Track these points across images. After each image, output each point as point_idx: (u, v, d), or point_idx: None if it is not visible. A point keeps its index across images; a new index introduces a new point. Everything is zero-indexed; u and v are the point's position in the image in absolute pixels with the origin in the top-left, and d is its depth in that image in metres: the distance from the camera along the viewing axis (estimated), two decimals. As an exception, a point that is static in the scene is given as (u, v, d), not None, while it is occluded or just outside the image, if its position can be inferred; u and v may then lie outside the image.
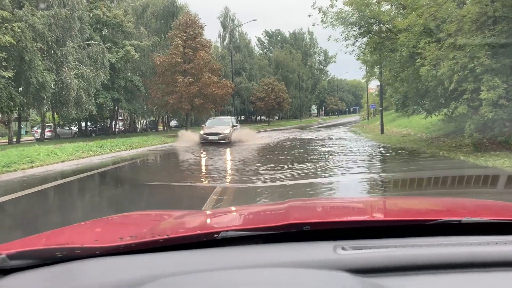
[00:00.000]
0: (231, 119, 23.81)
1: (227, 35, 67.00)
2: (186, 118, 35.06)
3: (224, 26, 68.29)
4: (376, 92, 61.50)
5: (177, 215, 1.80)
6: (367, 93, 58.42)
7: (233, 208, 3.10)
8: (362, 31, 15.87)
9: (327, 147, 17.68)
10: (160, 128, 49.30)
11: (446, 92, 14.04)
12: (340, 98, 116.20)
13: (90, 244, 1.16)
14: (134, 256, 1.07)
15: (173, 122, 56.41)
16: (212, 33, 77.47)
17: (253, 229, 1.21)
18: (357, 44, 16.49)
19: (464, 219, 1.19)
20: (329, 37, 16.37)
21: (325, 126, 48.18)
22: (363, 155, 13.59)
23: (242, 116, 72.64)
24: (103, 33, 31.74)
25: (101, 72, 26.50)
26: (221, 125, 22.22)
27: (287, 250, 1.07)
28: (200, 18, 33.16)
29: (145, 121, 46.63)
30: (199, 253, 1.08)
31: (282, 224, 1.18)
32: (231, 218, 1.76)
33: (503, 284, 0.93)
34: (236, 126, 23.06)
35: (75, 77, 24.44)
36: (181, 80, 29.83)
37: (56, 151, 13.98)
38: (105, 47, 27.38)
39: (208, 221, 1.79)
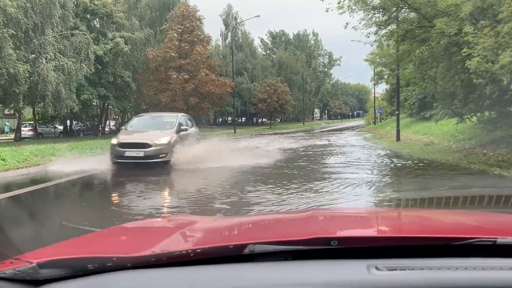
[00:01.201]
0: (176, 118, 13.12)
1: (229, 34, 64.30)
2: (180, 118, 32.32)
3: (226, 24, 65.73)
4: (382, 96, 58.62)
5: (200, 222, 1.85)
6: (374, 96, 55.54)
7: (256, 217, 3.12)
8: (387, 17, 13.05)
9: (342, 155, 14.90)
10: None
11: (494, 93, 11.27)
12: (344, 102, 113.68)
13: (122, 255, 1.13)
14: (164, 270, 1.06)
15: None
16: (213, 31, 75.58)
17: (281, 242, 1.15)
18: (381, 33, 13.64)
19: (499, 239, 1.11)
20: (347, 24, 13.56)
21: (331, 131, 45.44)
22: (392, 171, 10.79)
23: (243, 118, 69.94)
24: (92, 24, 29.02)
25: (85, 65, 23.75)
26: (156, 128, 12.20)
27: (318, 269, 1.02)
28: (198, 10, 30.47)
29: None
30: (227, 269, 1.05)
31: (309, 238, 1.13)
32: (256, 229, 1.71)
33: None
34: (186, 129, 12.79)
35: (53, 70, 21.70)
36: (175, 76, 27.09)
37: (6, 156, 11.19)
38: (91, 37, 24.62)
39: (234, 232, 1.69)
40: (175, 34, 27.88)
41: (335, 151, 17.15)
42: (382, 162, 12.90)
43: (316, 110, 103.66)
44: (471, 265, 1.00)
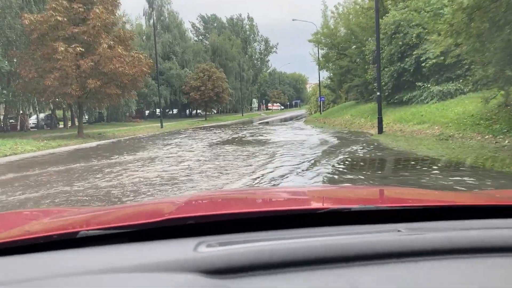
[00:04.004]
0: None
1: (154, 12, 55.45)
2: (79, 110, 23.71)
3: (149, 2, 56.74)
4: (325, 83, 53.25)
5: (62, 213, 1.73)
6: (319, 82, 49.86)
7: (123, 204, 2.84)
8: None
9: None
10: (61, 124, 37.19)
11: None
12: (282, 91, 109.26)
13: None
14: None
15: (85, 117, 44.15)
16: (136, 12, 66.46)
17: (118, 227, 1.08)
18: None
19: (355, 207, 1.10)
20: None
21: (277, 121, 39.00)
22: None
23: (175, 110, 61.66)
24: None
25: None
26: None
27: (146, 250, 0.95)
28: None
29: (37, 116, 34.26)
30: (52, 255, 0.97)
31: (156, 220, 1.06)
32: (110, 216, 1.52)
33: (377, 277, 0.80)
34: None
35: None
36: (62, 49, 18.73)
37: None
38: None
39: (79, 220, 1.48)
40: (63, -10, 19.46)
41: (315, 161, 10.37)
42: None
43: (254, 100, 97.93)
44: (316, 233, 0.96)
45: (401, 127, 16.10)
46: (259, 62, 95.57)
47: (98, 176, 8.27)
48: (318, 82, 52.08)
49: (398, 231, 0.95)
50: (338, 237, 0.93)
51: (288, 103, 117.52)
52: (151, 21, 55.46)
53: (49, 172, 9.21)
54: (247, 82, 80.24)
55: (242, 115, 65.16)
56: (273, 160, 9.66)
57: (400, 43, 20.59)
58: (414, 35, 20.09)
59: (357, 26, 34.15)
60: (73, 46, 19.11)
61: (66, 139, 19.67)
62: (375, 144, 12.57)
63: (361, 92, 33.30)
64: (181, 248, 0.92)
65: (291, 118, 46.31)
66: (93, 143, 18.25)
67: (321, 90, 48.65)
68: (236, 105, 74.66)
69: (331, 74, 46.71)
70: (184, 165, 9.42)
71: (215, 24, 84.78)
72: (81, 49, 19.26)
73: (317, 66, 45.58)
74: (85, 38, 19.94)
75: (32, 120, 34.55)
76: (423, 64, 19.39)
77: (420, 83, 19.71)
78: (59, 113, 40.25)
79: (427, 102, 18.90)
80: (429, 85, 19.31)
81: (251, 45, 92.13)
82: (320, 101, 47.77)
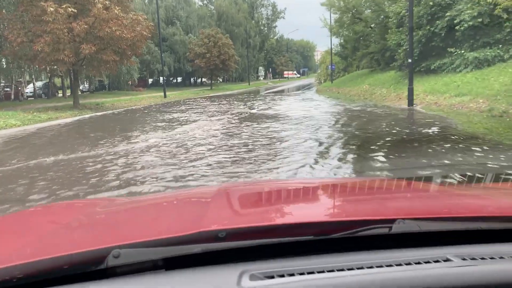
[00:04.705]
0: None
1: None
2: (74, 78, 21.77)
3: (152, -38, 53.56)
4: (336, 51, 50.59)
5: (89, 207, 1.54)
6: (331, 48, 47.18)
7: (145, 199, 2.18)
8: None
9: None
10: (61, 93, 35.35)
11: None
12: (289, 59, 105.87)
13: None
14: None
15: (85, 86, 42.32)
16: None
17: (152, 243, 0.86)
18: None
19: (394, 225, 0.89)
20: None
21: (287, 92, 36.98)
22: None
23: (179, 78, 59.50)
24: None
25: None
26: None
27: (185, 282, 0.79)
28: None
29: (33, 84, 32.40)
30: None
31: (189, 233, 0.87)
32: (132, 223, 1.25)
33: None
34: None
35: None
36: (52, 9, 16.69)
37: None
38: None
39: (101, 230, 1.22)
40: None
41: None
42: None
43: (261, 68, 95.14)
44: (362, 261, 0.82)
45: (435, 100, 14.18)
46: (266, 28, 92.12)
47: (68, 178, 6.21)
48: (326, 49, 49.56)
49: (448, 259, 0.83)
50: (389, 270, 0.80)
51: (295, 72, 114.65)
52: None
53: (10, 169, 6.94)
54: (254, 49, 77.44)
55: (249, 84, 62.90)
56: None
57: (431, 3, 18.31)
58: (447, -6, 17.83)
59: None
60: (64, 6, 17.06)
61: (60, 110, 17.96)
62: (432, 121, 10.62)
63: (377, 59, 31.10)
64: (223, 280, 0.78)
65: (298, 88, 44.14)
66: (88, 115, 16.53)
67: (332, 58, 46.26)
68: (242, 74, 72.23)
69: (343, 41, 44.06)
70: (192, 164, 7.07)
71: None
72: (73, 10, 17.21)
73: (328, 33, 43.14)
74: (78, -3, 17.85)
75: (30, 89, 32.76)
76: (456, 28, 17.23)
77: (452, 49, 17.58)
78: (58, 81, 38.40)
79: (460, 71, 16.86)
80: (463, 51, 17.20)
81: (258, 10, 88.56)
82: (331, 69, 45.62)
